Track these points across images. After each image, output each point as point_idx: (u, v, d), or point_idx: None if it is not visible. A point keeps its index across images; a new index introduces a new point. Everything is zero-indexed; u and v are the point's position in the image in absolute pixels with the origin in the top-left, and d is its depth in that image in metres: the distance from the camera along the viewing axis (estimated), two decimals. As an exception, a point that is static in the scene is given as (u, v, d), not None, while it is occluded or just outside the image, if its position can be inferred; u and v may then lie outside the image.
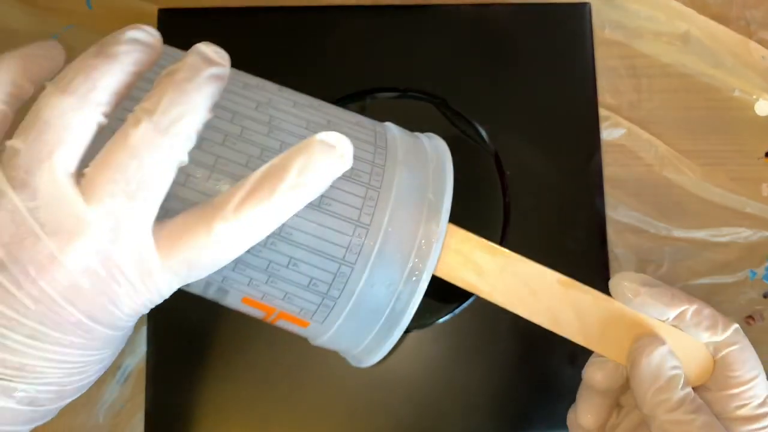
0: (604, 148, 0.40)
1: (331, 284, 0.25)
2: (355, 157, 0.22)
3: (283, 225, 0.22)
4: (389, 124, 0.29)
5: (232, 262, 0.21)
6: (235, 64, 0.23)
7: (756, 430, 0.26)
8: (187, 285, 0.23)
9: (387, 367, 0.37)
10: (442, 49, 0.41)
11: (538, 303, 0.27)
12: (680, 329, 0.27)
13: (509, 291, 0.27)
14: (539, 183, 0.39)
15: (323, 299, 0.25)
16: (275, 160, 0.20)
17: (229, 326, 0.37)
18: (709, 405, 0.26)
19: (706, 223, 0.40)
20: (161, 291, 0.21)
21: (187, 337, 0.37)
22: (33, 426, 0.21)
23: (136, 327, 0.38)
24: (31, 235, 0.19)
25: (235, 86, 0.25)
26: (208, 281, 0.25)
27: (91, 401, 0.38)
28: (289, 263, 0.24)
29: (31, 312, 0.19)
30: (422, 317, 0.37)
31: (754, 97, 0.42)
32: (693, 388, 0.26)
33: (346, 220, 0.24)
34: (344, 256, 0.24)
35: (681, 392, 0.25)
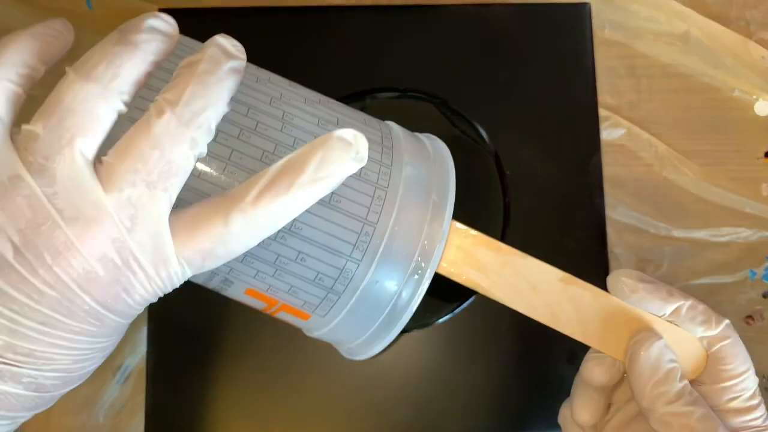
0: (604, 148, 0.40)
1: (336, 279, 0.25)
2: None
3: (294, 219, 0.22)
4: (391, 124, 0.30)
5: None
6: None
7: (747, 421, 0.27)
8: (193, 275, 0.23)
9: (386, 366, 0.37)
10: (442, 49, 0.41)
11: (538, 299, 0.28)
12: (676, 324, 0.28)
13: (509, 287, 0.28)
14: (539, 183, 0.39)
15: (327, 294, 0.25)
16: (293, 155, 0.20)
17: (230, 326, 0.37)
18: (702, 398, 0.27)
19: (706, 223, 0.41)
20: (174, 280, 0.21)
21: (187, 337, 0.38)
22: (35, 412, 0.21)
23: (136, 327, 0.38)
24: (48, 221, 0.19)
25: (249, 79, 0.25)
26: (214, 271, 0.25)
27: (91, 401, 0.38)
28: (297, 257, 0.25)
29: (44, 298, 0.19)
30: (422, 317, 0.37)
31: (754, 97, 0.42)
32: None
33: (354, 218, 0.25)
34: (351, 253, 0.25)
35: (679, 385, 0.26)
